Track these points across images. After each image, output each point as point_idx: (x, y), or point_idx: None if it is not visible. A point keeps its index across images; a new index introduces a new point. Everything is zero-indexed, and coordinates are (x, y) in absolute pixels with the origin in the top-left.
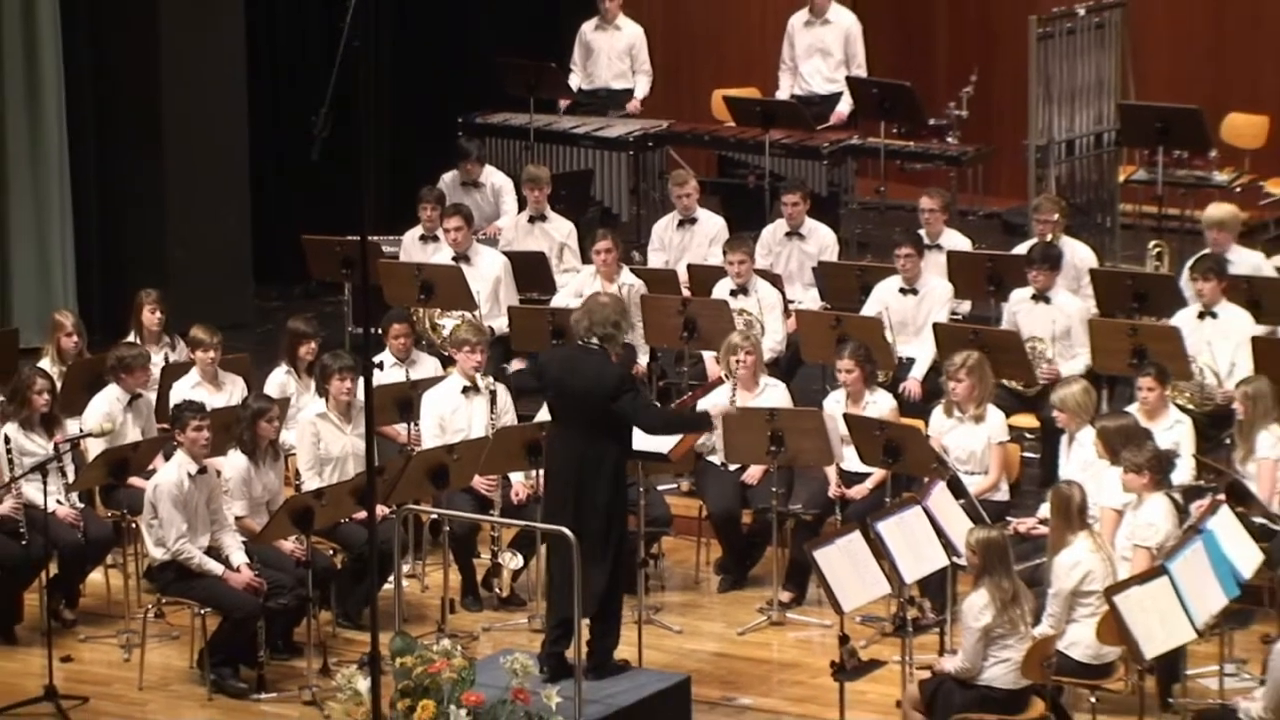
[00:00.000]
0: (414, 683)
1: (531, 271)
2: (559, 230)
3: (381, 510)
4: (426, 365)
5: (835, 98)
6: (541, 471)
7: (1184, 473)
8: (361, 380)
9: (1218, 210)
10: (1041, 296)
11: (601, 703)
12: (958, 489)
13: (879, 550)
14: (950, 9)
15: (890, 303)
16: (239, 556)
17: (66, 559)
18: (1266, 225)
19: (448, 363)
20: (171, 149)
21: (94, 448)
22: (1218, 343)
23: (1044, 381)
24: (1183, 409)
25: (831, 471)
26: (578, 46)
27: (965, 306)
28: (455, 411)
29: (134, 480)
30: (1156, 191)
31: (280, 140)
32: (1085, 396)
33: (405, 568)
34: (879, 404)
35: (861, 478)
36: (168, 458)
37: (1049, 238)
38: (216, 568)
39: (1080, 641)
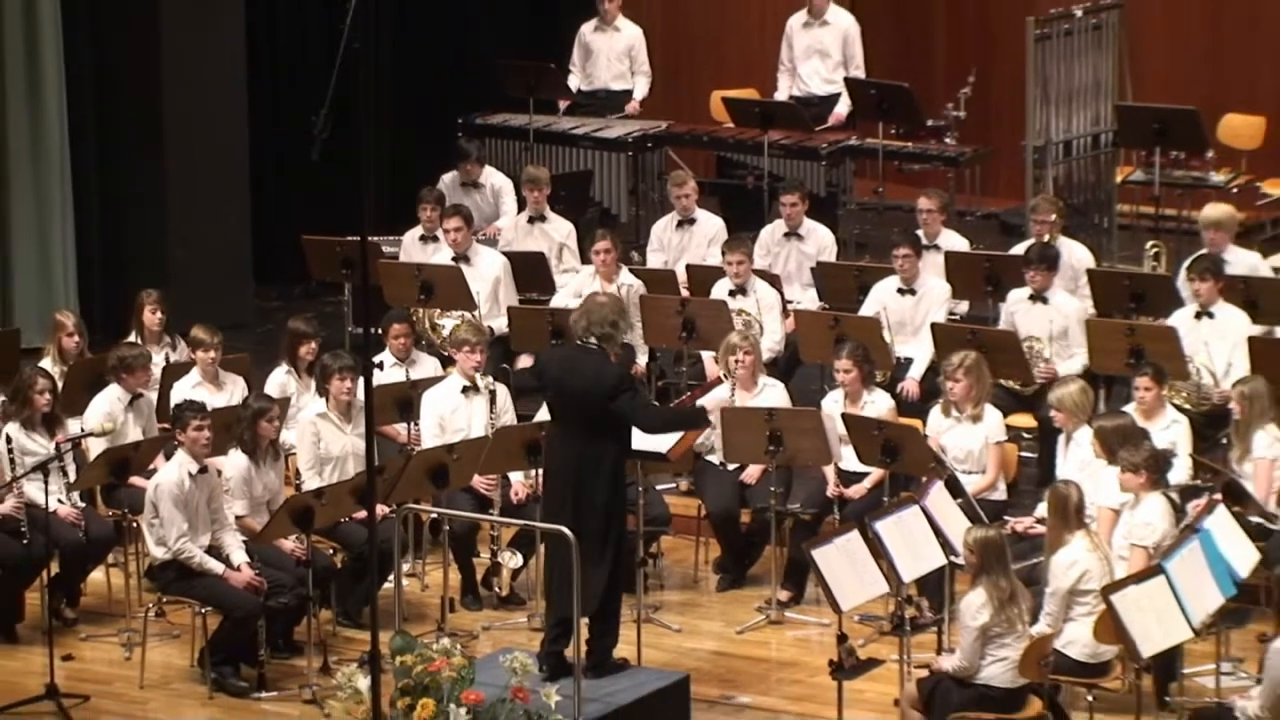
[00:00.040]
0: (414, 681)
1: (531, 272)
2: (558, 231)
3: (381, 509)
4: (426, 365)
5: (833, 99)
6: (541, 471)
7: (1181, 472)
8: (361, 380)
9: (1214, 210)
10: (1039, 297)
11: (601, 701)
12: (955, 488)
13: (877, 549)
14: (948, 10)
15: (888, 303)
16: (239, 556)
17: (68, 558)
18: (1263, 225)
19: (447, 363)
20: (172, 149)
21: (95, 447)
22: (1214, 343)
23: (1041, 381)
24: (1180, 409)
25: (830, 471)
26: (577, 48)
27: (963, 307)
28: (455, 411)
29: (135, 480)
30: (1153, 192)
31: (280, 141)
32: (1082, 396)
33: (405, 567)
34: (877, 404)
35: (860, 477)
36: (169, 457)
37: (1046, 238)
38: (217, 567)
39: (1077, 640)
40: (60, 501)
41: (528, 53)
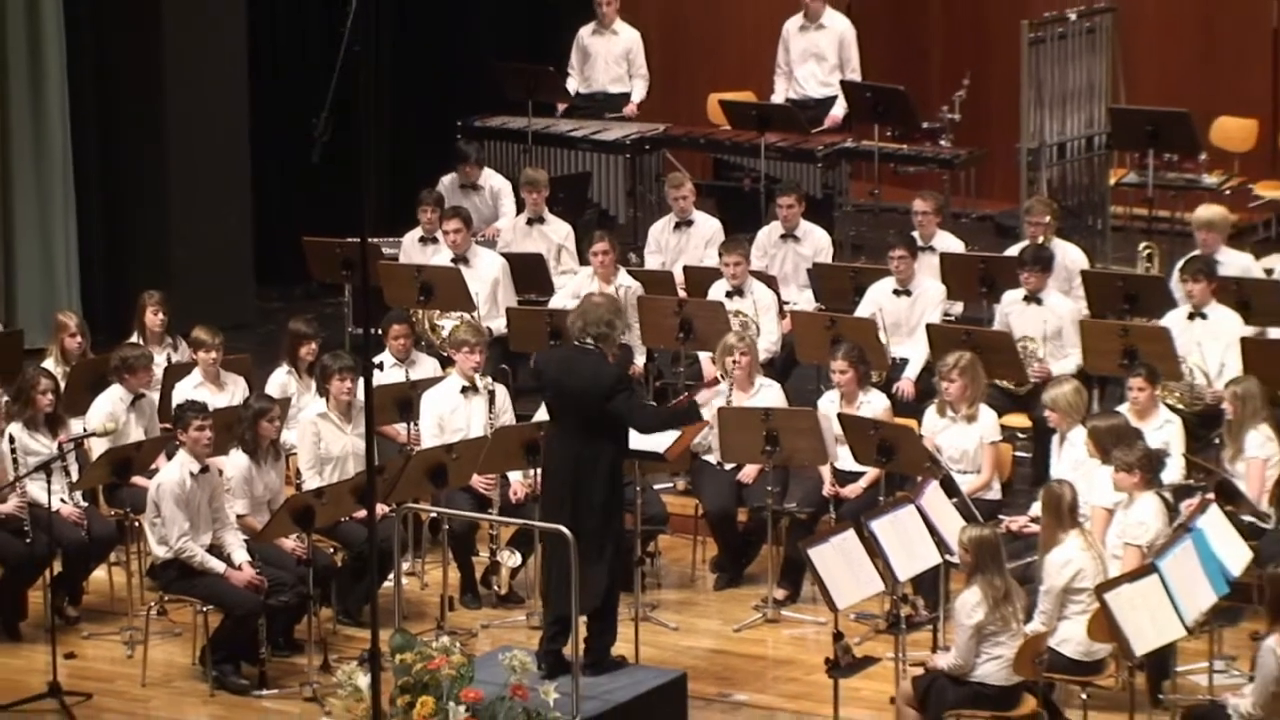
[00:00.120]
0: (413, 679)
1: (530, 273)
2: (557, 232)
3: (381, 509)
4: (426, 366)
5: (830, 101)
6: (539, 471)
7: (1174, 472)
8: (361, 380)
9: (1207, 212)
10: (1033, 298)
11: (599, 699)
12: (950, 488)
13: (873, 548)
14: (943, 14)
15: (884, 304)
16: (240, 555)
17: (70, 557)
18: (1255, 227)
19: (447, 363)
20: (174, 151)
21: (97, 447)
22: (1207, 343)
23: (1036, 381)
24: (1173, 409)
25: (826, 470)
26: (575, 51)
27: (958, 308)
28: (454, 411)
29: (137, 479)
30: (1147, 194)
31: (281, 142)
32: (1076, 396)
33: (405, 565)
34: (873, 404)
35: (855, 477)
36: (170, 457)
37: (1040, 240)
38: (218, 565)
39: (1071, 638)
40: (63, 501)
41: (526, 56)
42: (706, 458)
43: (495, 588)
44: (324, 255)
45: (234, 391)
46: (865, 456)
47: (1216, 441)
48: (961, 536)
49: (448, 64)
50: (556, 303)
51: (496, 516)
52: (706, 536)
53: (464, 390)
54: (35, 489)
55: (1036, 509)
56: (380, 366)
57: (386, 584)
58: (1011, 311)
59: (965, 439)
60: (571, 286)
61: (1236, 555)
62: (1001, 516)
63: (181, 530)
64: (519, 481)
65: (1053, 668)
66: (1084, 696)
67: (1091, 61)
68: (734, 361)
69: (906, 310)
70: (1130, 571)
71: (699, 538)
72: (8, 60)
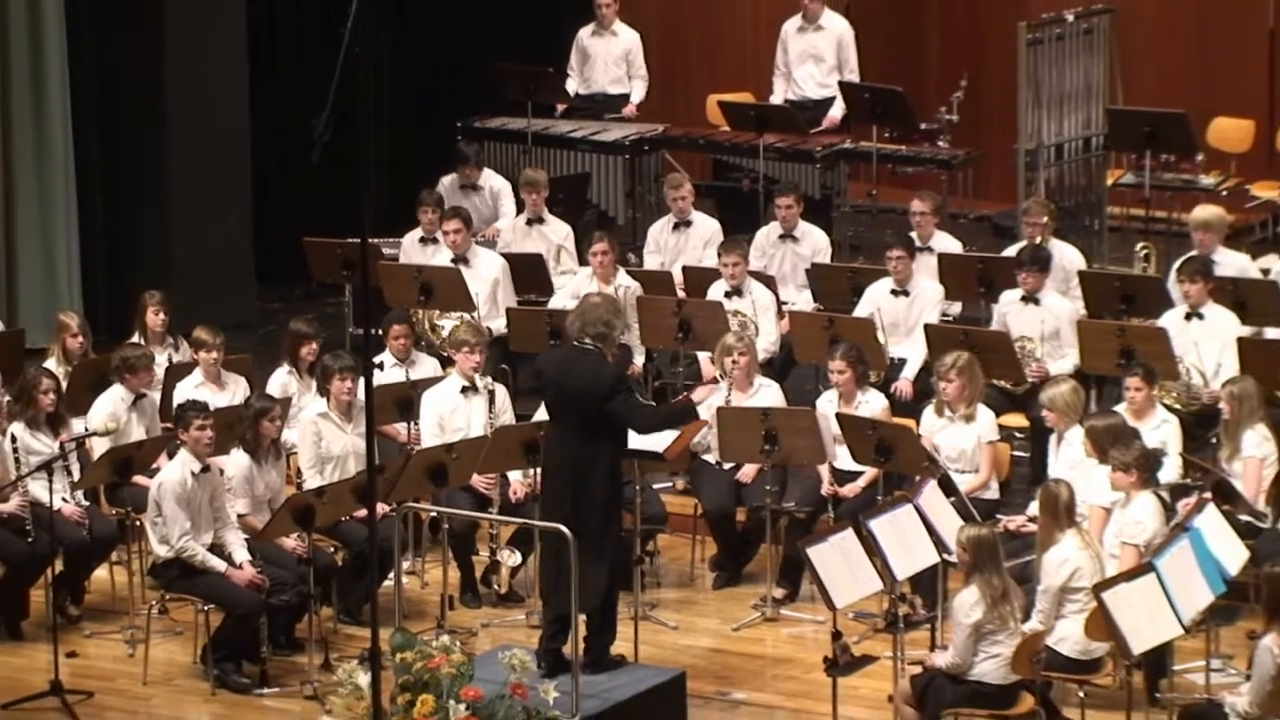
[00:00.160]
0: (414, 678)
1: (529, 273)
2: (556, 233)
3: (382, 508)
4: (426, 365)
5: (828, 102)
6: (539, 470)
7: (1171, 471)
8: (362, 380)
9: (1204, 212)
10: (1031, 298)
11: (598, 697)
12: (948, 487)
13: (871, 547)
14: (941, 15)
15: (882, 304)
16: (241, 554)
17: (72, 556)
18: (1252, 228)
19: (447, 363)
20: (175, 151)
21: (99, 447)
22: (1204, 343)
23: (1033, 381)
24: (1170, 409)
25: (824, 470)
26: (575, 52)
27: (956, 308)
28: (454, 411)
29: (138, 479)
30: (1144, 195)
31: (282, 143)
32: (1074, 396)
33: (405, 565)
34: (871, 404)
35: (854, 476)
36: (171, 456)
37: (1038, 240)
38: (219, 565)
39: (1069, 637)
40: (64, 500)
41: (526, 57)
42: (705, 457)
43: (495, 587)
44: (324, 255)
45: (235, 391)
46: (864, 456)
47: (1213, 441)
48: (959, 536)
49: (447, 65)
50: (556, 303)
51: (496, 516)
52: (705, 536)
53: (464, 390)
54: (37, 488)
55: (1034, 508)
56: (380, 366)
57: (387, 583)
58: (1009, 311)
59: (963, 438)
60: (571, 287)
61: (1233, 554)
62: (999, 516)
63: (183, 529)
64: (519, 481)
65: (1050, 666)
66: (1081, 695)
67: (1089, 62)
68: (733, 361)
69: (905, 310)
70: (1127, 570)
71: (698, 537)
72: (10, 62)
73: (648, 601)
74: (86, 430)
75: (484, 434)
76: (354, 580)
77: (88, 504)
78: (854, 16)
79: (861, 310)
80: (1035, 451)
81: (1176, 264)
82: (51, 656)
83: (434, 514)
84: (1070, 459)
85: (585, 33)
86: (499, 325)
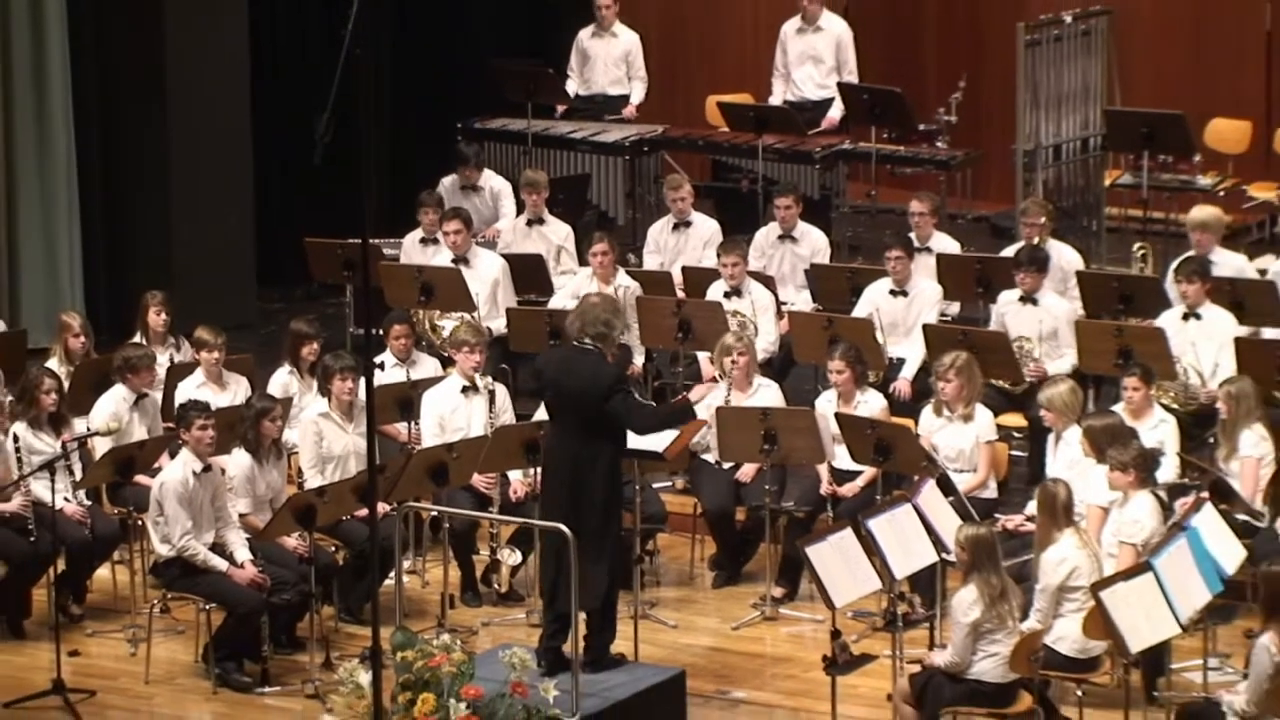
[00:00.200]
0: (414, 676)
1: (529, 274)
2: (556, 233)
3: (382, 507)
4: (426, 365)
5: (827, 103)
6: (539, 469)
7: (1169, 471)
8: (363, 380)
9: (1201, 212)
10: (1029, 298)
11: (598, 696)
12: (947, 487)
13: (870, 547)
14: (939, 16)
15: (881, 304)
16: (243, 553)
17: (74, 555)
18: (1249, 228)
19: (447, 363)
20: (176, 153)
21: (101, 446)
22: (1201, 343)
23: (1031, 381)
24: (1167, 408)
25: (823, 469)
26: (575, 53)
27: (954, 308)
28: (455, 411)
29: (140, 478)
30: (1141, 195)
31: (283, 144)
32: (1072, 396)
33: (406, 564)
34: (870, 403)
35: (853, 476)
36: (173, 456)
37: (1036, 241)
38: (221, 564)
39: (1067, 636)
40: (66, 500)
41: (526, 58)
42: (705, 457)
43: (495, 586)
44: (325, 256)
45: (236, 391)
46: (862, 456)
47: (1211, 441)
48: (958, 535)
49: (448, 66)
50: (556, 303)
51: (497, 515)
52: (705, 535)
53: (464, 390)
54: (39, 488)
55: (1032, 508)
56: (381, 366)
57: (388, 582)
58: (1007, 312)
59: (961, 438)
60: (571, 287)
61: (1231, 553)
62: (997, 515)
63: (184, 529)
64: (519, 480)
65: (1048, 665)
66: (1080, 693)
67: (1087, 64)
68: (732, 361)
69: (903, 310)
70: (1125, 570)
71: (697, 536)
72: (12, 63)
73: (647, 600)
74: (88, 430)
75: (484, 434)
76: (355, 579)
77: (90, 503)
78: (853, 18)
79: (860, 310)
80: (1033, 451)
81: (1174, 264)
82: (54, 655)
83: (434, 513)
84: (1068, 458)
85: (585, 34)
86: (499, 325)
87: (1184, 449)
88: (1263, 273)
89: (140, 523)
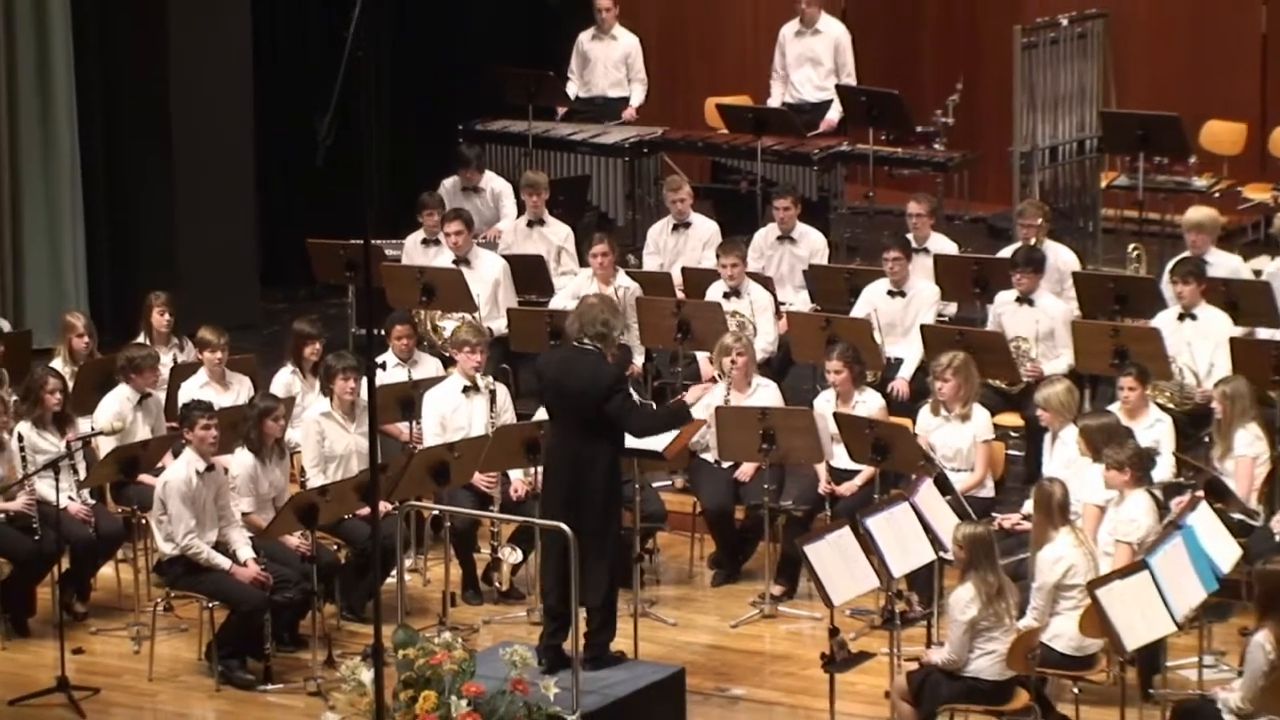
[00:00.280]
0: (416, 674)
1: (530, 274)
2: (557, 234)
3: (384, 506)
4: (428, 365)
5: (825, 105)
6: (540, 468)
7: (1164, 470)
8: (365, 380)
9: (1197, 213)
10: (1025, 299)
11: (598, 693)
12: (944, 486)
13: (868, 545)
14: (937, 19)
15: (878, 305)
16: (246, 551)
17: (78, 554)
18: (1244, 229)
19: (449, 363)
20: (180, 154)
21: (105, 446)
22: (1197, 344)
23: (1028, 381)
24: (1163, 408)
25: (822, 469)
26: (575, 55)
27: (951, 308)
28: (456, 410)
29: (144, 477)
30: (1137, 196)
31: (285, 145)
32: (1068, 396)
33: (407, 562)
34: (868, 403)
35: (851, 475)
36: (176, 455)
37: (1033, 241)
38: (224, 562)
39: (1063, 634)
40: (71, 499)
41: (526, 60)
42: (704, 456)
43: (496, 584)
44: (328, 257)
45: (239, 391)
46: (860, 455)
47: (1206, 440)
48: (955, 533)
49: (448, 68)
50: (556, 304)
51: (497, 514)
52: (704, 534)
53: (465, 389)
54: (44, 487)
55: (1028, 506)
56: (383, 366)
57: (389, 580)
58: (1004, 312)
59: (959, 437)
60: (571, 287)
61: (1226, 552)
62: (994, 514)
63: (188, 527)
64: (520, 479)
65: (1045, 663)
66: (1076, 691)
67: (1083, 66)
68: (731, 361)
69: (901, 311)
70: (1121, 568)
71: (697, 535)
72: (16, 64)
73: (647, 599)
74: (93, 429)
75: (485, 433)
76: (357, 577)
77: (94, 502)
78: (851, 21)
79: (858, 311)
80: (1030, 450)
81: (1170, 265)
82: (58, 653)
83: (436, 512)
84: (1064, 458)
85: (585, 37)
86: (500, 326)
87: (1179, 448)
88: (1258, 273)
89: (144, 521)
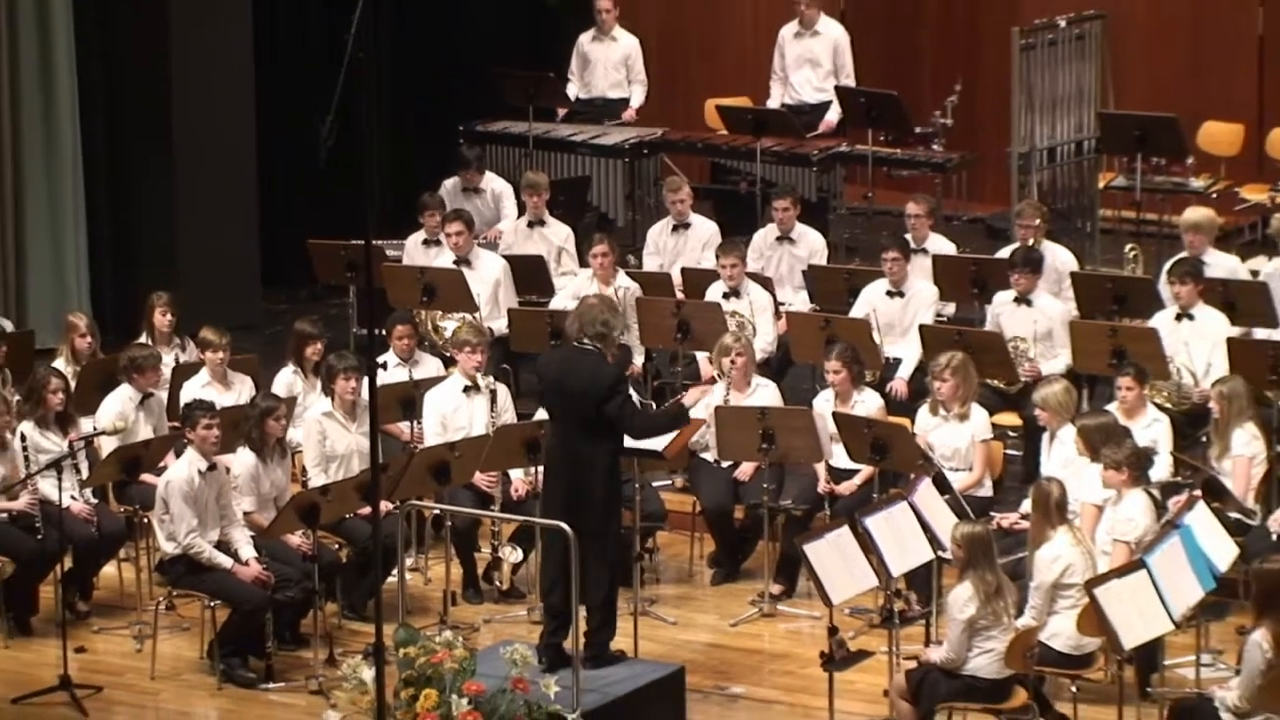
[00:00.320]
0: (417, 672)
1: (530, 275)
2: (557, 235)
3: (385, 506)
4: (429, 365)
5: (824, 106)
6: (540, 468)
7: (1162, 469)
8: (366, 380)
9: (1194, 214)
10: (1023, 299)
11: (599, 692)
12: (943, 485)
13: (867, 544)
14: (936, 21)
15: (877, 305)
16: (247, 551)
17: (81, 553)
18: (1241, 230)
19: (449, 363)
20: (182, 155)
21: (107, 445)
22: (1194, 343)
23: (1026, 380)
24: (1161, 408)
25: (821, 468)
26: (575, 57)
27: (950, 308)
28: (456, 410)
29: (146, 477)
30: (1135, 197)
31: (287, 146)
32: (1066, 395)
33: (408, 561)
34: (867, 403)
35: (850, 474)
36: (179, 455)
37: (1031, 242)
38: (226, 561)
39: (1061, 633)
40: (73, 498)
41: (527, 62)
42: (704, 455)
43: (497, 583)
44: (329, 257)
45: (241, 391)
46: (859, 454)
47: (1203, 439)
48: (954, 533)
49: (449, 69)
50: (557, 304)
51: (498, 513)
52: (704, 533)
53: (466, 389)
54: (46, 486)
55: (1027, 506)
56: (384, 366)
57: (390, 579)
58: (1002, 312)
59: (957, 437)
60: (571, 288)
61: (1223, 551)
62: (993, 513)
63: (190, 527)
64: (520, 479)
65: (1043, 661)
66: (1074, 689)
67: (1081, 67)
68: (730, 361)
69: (900, 311)
70: (1119, 567)
71: (696, 534)
72: (19, 64)
73: (647, 597)
74: (95, 429)
75: (486, 433)
76: (358, 576)
77: (96, 502)
78: (850, 22)
79: (857, 311)
80: (1028, 450)
81: (1167, 265)
82: (61, 652)
83: (437, 511)
84: (1062, 457)
85: (585, 38)
86: (500, 326)
87: (1177, 448)
88: (1255, 274)
89: (146, 521)
